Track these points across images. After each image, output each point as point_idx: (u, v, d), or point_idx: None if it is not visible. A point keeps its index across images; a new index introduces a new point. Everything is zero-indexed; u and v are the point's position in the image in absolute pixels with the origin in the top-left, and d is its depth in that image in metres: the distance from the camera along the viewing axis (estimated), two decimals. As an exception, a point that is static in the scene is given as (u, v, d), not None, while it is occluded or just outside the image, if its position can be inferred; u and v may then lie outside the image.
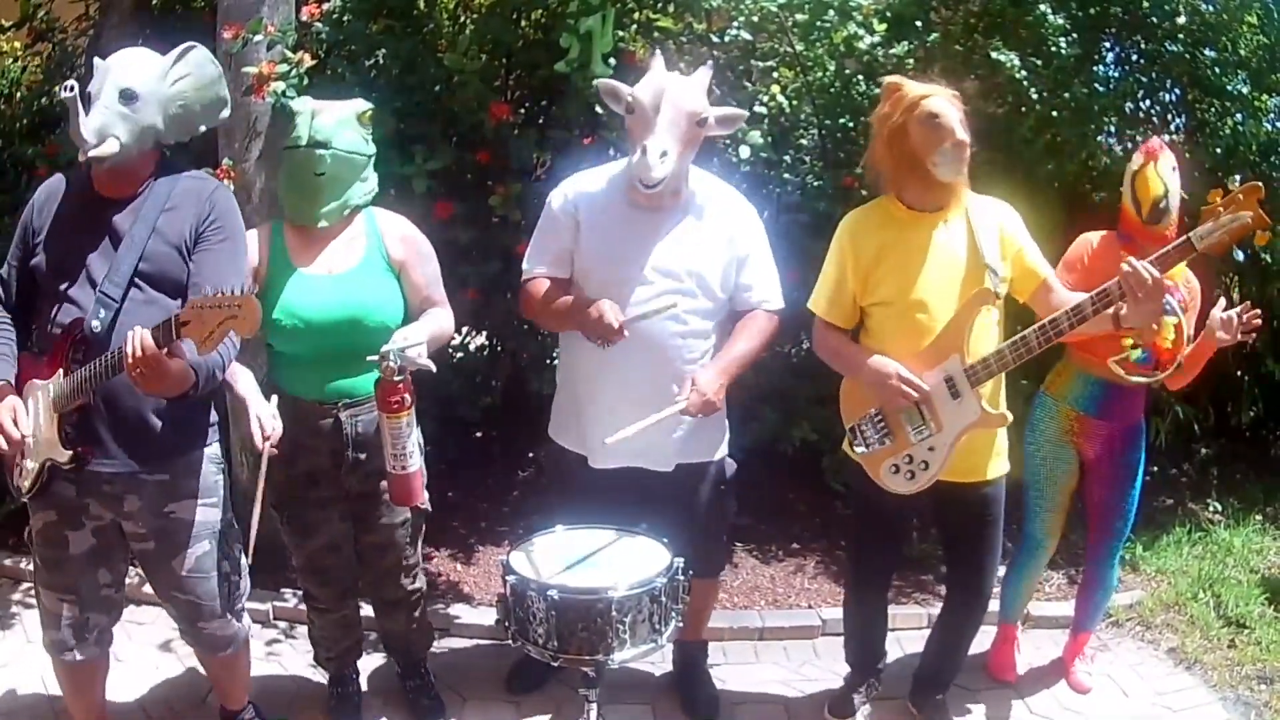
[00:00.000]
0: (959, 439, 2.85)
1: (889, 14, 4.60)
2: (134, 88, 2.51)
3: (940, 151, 2.75)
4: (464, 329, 5.07)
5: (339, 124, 2.84)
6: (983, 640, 3.73)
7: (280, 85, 3.65)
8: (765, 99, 4.54)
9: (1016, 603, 3.72)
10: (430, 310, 2.95)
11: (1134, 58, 5.05)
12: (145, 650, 3.69)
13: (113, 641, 2.87)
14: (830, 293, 3.02)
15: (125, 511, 2.63)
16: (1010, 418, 2.88)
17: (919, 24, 4.54)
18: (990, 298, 2.80)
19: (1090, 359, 3.28)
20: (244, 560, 2.86)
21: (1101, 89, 4.72)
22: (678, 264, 2.96)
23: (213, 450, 2.76)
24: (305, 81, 3.71)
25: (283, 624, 3.92)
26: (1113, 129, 4.82)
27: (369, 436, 2.88)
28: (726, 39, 4.66)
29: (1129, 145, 4.86)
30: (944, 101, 2.77)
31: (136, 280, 2.51)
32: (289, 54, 3.76)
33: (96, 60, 2.58)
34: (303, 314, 2.83)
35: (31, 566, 2.81)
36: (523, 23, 4.65)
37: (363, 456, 2.92)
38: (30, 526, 2.69)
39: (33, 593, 3.89)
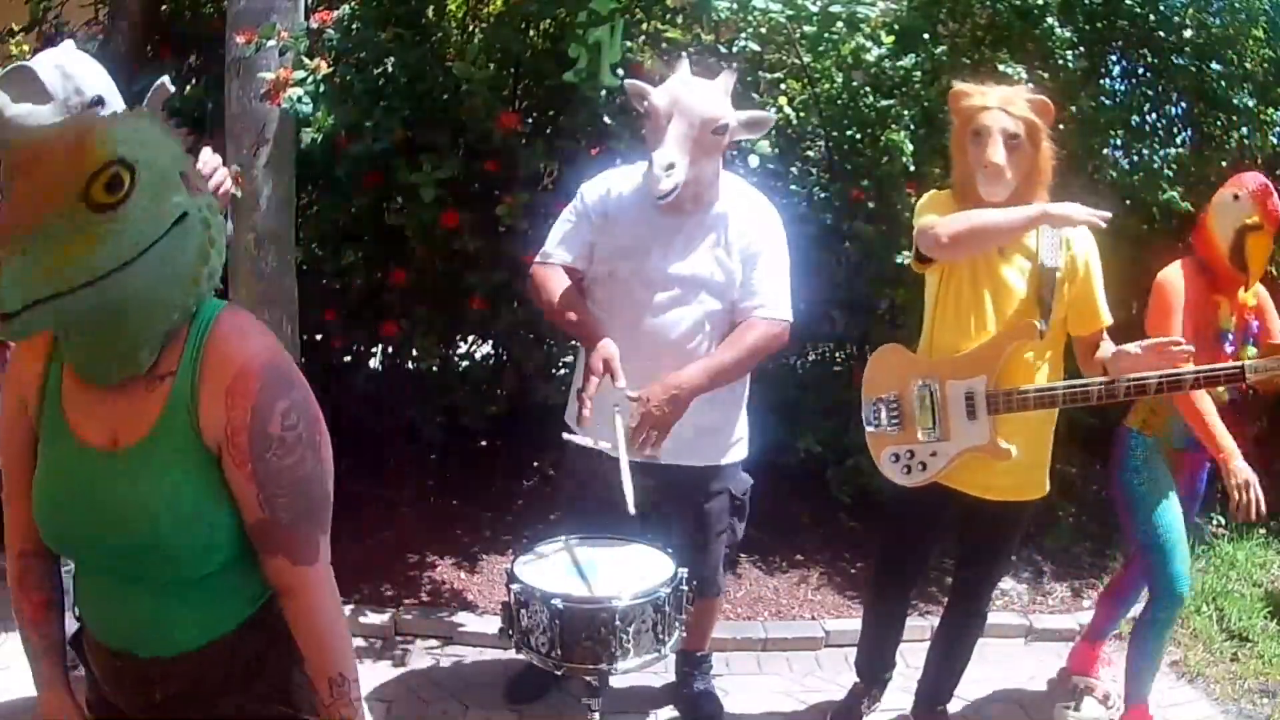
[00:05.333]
0: (961, 455, 2.83)
1: (897, 26, 4.61)
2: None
3: (980, 172, 2.74)
4: (470, 338, 5.09)
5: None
6: (984, 652, 3.73)
7: (297, 92, 3.67)
8: (773, 110, 4.54)
9: (1150, 679, 3.35)
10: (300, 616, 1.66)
11: (1140, 71, 5.07)
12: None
13: None
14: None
15: None
16: (1015, 454, 2.78)
17: (926, 36, 4.54)
18: (1032, 334, 2.75)
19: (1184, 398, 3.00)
20: None
21: (1108, 102, 4.73)
22: (697, 272, 2.95)
23: None
24: (321, 89, 3.73)
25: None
26: (1119, 142, 4.84)
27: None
28: (734, 50, 4.67)
29: (1135, 158, 4.88)
30: (996, 116, 2.72)
31: None
32: (306, 61, 3.78)
33: (70, 68, 2.43)
34: (65, 514, 1.59)
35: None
36: (531, 32, 4.66)
37: None
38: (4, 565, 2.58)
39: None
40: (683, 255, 2.95)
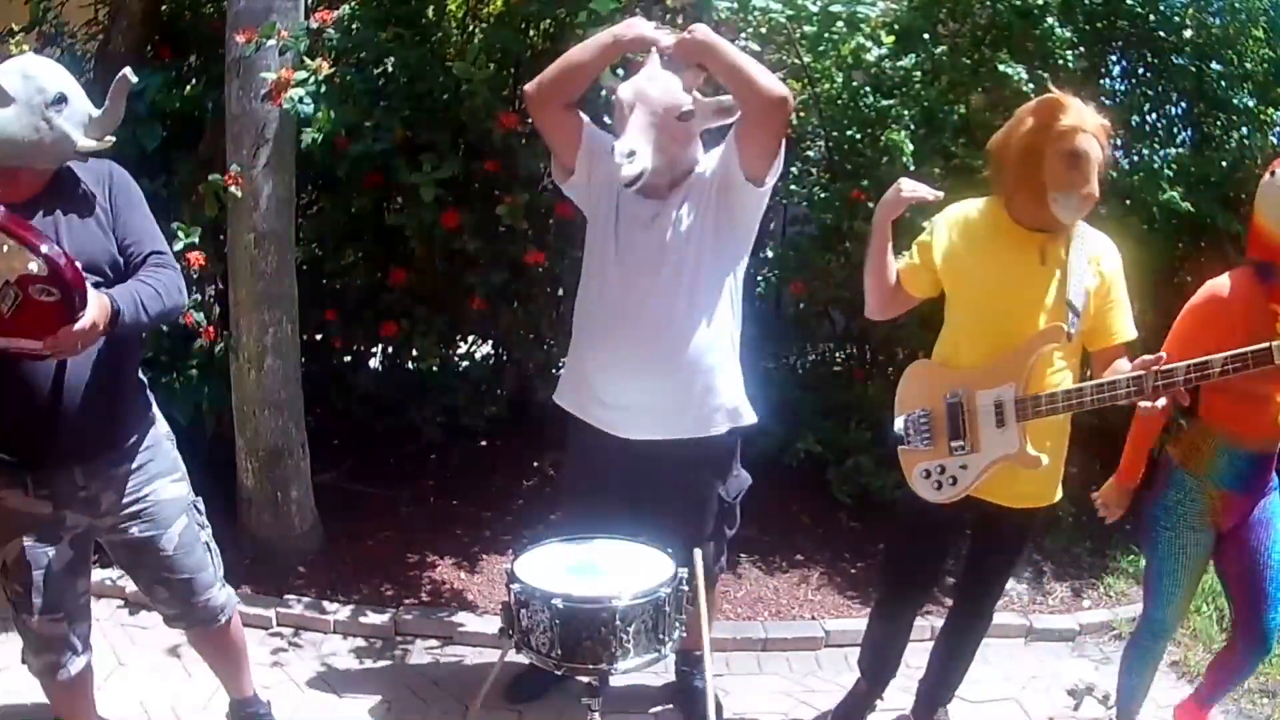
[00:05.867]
0: (992, 466, 2.78)
1: (897, 26, 4.61)
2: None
3: (1066, 195, 2.63)
4: (470, 338, 5.09)
5: None
6: (984, 652, 3.73)
7: (299, 92, 3.67)
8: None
9: (1139, 697, 3.29)
10: None
11: (1141, 71, 5.07)
12: (147, 654, 3.69)
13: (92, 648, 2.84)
14: (911, 256, 2.96)
15: (102, 511, 2.64)
16: (1045, 461, 2.74)
17: (926, 36, 4.55)
18: (1060, 337, 2.70)
19: (1239, 433, 2.85)
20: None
21: (1108, 102, 4.72)
22: (667, 253, 2.99)
23: (164, 427, 2.80)
24: (323, 89, 3.73)
25: (287, 630, 3.91)
26: (1119, 142, 4.83)
27: None
28: (734, 50, 4.67)
29: (1135, 158, 4.88)
30: (1093, 142, 2.61)
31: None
32: (308, 61, 3.78)
33: (33, 70, 2.47)
34: None
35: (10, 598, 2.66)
36: (531, 32, 4.66)
37: None
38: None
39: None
40: (657, 241, 2.99)
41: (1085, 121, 2.63)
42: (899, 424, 2.96)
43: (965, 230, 2.86)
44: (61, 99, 2.42)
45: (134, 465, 2.66)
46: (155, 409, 2.80)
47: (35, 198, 2.49)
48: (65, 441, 2.51)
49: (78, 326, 2.30)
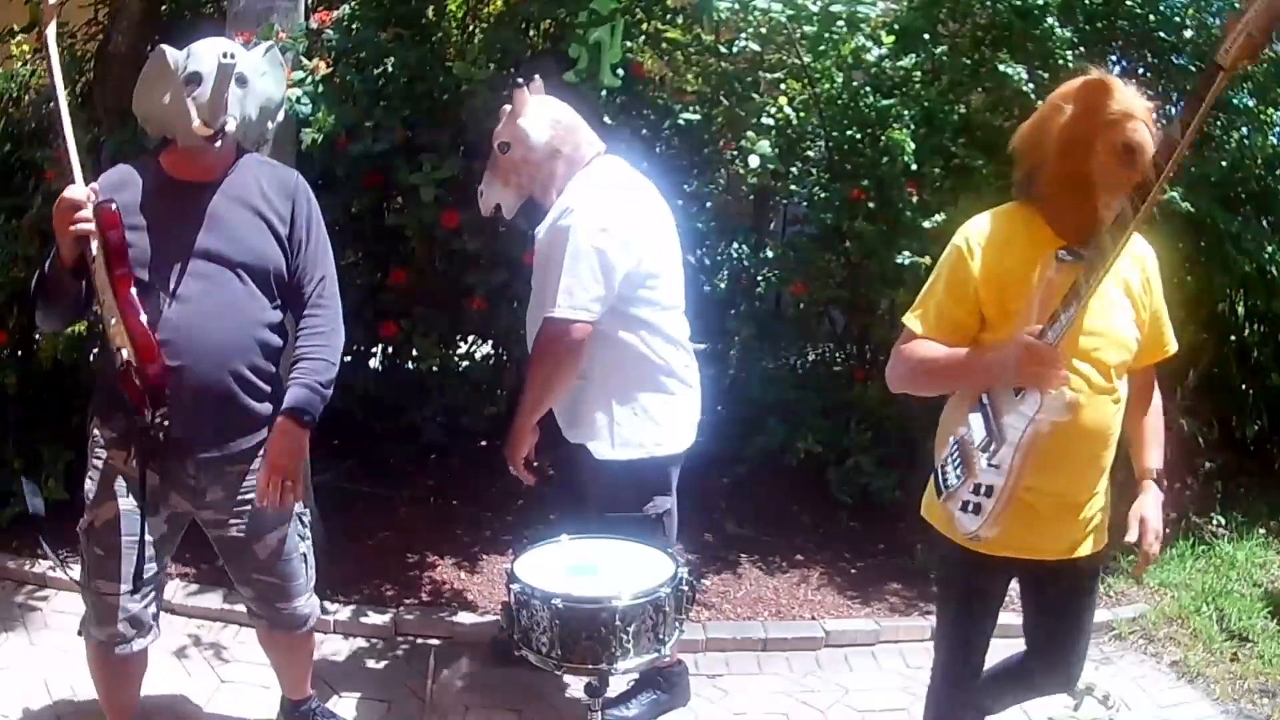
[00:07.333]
0: (1022, 444, 2.24)
1: (897, 26, 4.62)
2: (245, 74, 2.58)
3: (1119, 193, 2.14)
4: (470, 338, 5.09)
5: None
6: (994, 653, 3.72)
7: (296, 92, 3.67)
8: (773, 110, 4.55)
9: None
10: None
11: (1141, 71, 5.06)
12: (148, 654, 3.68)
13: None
14: (941, 306, 2.40)
15: (206, 502, 2.67)
16: (1070, 396, 2.23)
17: (927, 36, 4.55)
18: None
19: None
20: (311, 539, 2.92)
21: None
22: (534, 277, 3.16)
23: None
24: (320, 90, 3.73)
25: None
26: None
27: None
28: (735, 50, 4.68)
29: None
30: (1146, 133, 2.15)
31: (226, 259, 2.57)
32: (305, 62, 3.78)
33: (195, 48, 2.59)
34: None
35: (80, 565, 2.69)
36: (531, 32, 4.67)
37: None
38: (89, 519, 2.62)
39: (36, 595, 3.91)
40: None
41: (1136, 107, 2.19)
42: (936, 473, 2.49)
43: (1002, 248, 2.35)
44: (194, 78, 2.51)
45: (251, 467, 2.68)
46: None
47: (207, 184, 2.60)
48: (170, 444, 2.55)
49: (263, 481, 2.61)
